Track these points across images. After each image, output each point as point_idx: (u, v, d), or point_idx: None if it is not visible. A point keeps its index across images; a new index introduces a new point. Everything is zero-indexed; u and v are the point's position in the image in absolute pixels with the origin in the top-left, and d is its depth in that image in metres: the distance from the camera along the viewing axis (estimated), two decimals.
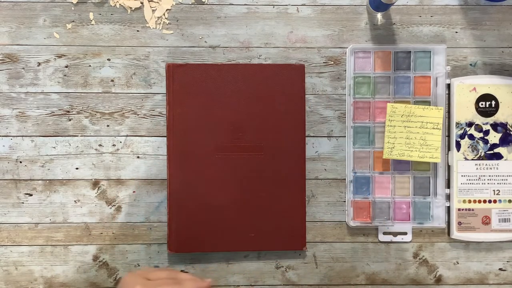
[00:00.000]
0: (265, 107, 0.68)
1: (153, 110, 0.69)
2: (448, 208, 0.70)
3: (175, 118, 0.67)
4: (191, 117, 0.67)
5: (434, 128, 0.66)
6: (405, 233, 0.69)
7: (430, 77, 0.69)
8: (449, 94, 0.69)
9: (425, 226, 0.69)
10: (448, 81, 0.68)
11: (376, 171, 0.69)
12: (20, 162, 0.68)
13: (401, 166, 0.69)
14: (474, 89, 0.69)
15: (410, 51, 0.68)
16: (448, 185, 0.69)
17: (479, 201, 0.69)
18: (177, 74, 0.67)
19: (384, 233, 0.69)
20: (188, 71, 0.67)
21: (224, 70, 0.68)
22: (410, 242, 0.70)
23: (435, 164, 0.68)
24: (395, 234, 0.69)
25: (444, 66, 0.68)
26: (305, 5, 0.69)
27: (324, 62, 0.69)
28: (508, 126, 0.69)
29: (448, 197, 0.68)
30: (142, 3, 0.69)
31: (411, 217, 0.69)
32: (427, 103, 0.68)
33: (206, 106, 0.67)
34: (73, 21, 0.69)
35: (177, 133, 0.67)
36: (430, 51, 0.68)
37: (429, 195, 0.69)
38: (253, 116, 0.67)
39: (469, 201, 0.69)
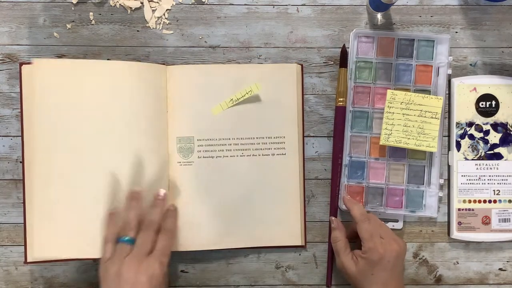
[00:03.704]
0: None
1: None
2: (448, 207, 0.70)
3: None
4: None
5: (432, 118, 0.66)
6: (396, 220, 0.69)
7: (431, 66, 0.68)
8: (449, 94, 0.69)
9: (417, 215, 0.69)
10: (449, 71, 0.68)
11: (372, 157, 0.69)
12: (20, 162, 0.68)
13: (397, 153, 0.69)
14: (475, 89, 0.69)
15: (413, 39, 0.68)
16: (448, 185, 0.70)
17: (479, 201, 0.69)
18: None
19: None
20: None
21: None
22: (409, 242, 0.70)
23: (431, 153, 0.68)
24: (386, 221, 0.69)
25: (447, 56, 0.68)
26: (305, 5, 0.69)
27: (324, 62, 0.69)
28: (508, 126, 0.69)
29: (441, 187, 0.68)
30: (142, 3, 0.69)
31: (403, 205, 0.69)
32: (427, 92, 0.68)
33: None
34: (73, 21, 0.69)
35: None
36: (434, 40, 0.68)
37: (423, 184, 0.69)
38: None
39: (469, 201, 0.69)
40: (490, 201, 0.69)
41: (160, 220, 0.62)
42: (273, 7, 0.69)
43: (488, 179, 0.69)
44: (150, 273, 0.58)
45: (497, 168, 0.69)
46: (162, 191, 0.63)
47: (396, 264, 0.62)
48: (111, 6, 0.69)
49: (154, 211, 0.62)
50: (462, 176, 0.69)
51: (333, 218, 0.67)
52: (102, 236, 0.61)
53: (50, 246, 0.64)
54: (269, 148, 0.68)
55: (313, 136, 0.70)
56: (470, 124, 0.69)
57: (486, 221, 0.69)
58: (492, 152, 0.69)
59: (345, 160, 0.69)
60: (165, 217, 0.63)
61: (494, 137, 0.69)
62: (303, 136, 0.69)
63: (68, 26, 0.69)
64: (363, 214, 0.64)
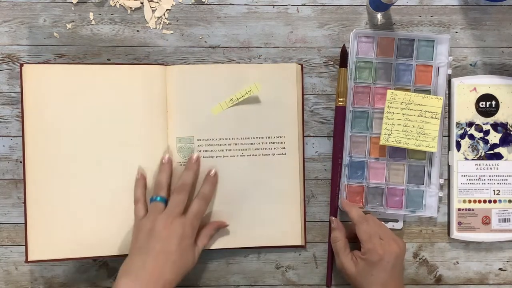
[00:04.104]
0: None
1: None
2: (448, 207, 0.70)
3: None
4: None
5: (432, 118, 0.66)
6: (396, 220, 0.69)
7: (431, 66, 0.68)
8: (449, 94, 0.69)
9: (417, 215, 0.69)
10: (449, 71, 0.68)
11: (372, 157, 0.69)
12: (20, 162, 0.68)
13: (397, 153, 0.69)
14: (474, 89, 0.69)
15: (413, 39, 0.68)
16: (448, 185, 0.70)
17: (479, 201, 0.69)
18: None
19: None
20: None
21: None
22: (409, 242, 0.70)
23: (431, 153, 0.68)
24: (386, 221, 0.69)
25: (447, 56, 0.68)
26: (305, 5, 0.69)
27: (324, 62, 0.69)
28: (508, 126, 0.69)
29: (441, 187, 0.68)
30: (142, 3, 0.69)
31: (403, 205, 0.68)
32: (427, 92, 0.68)
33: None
34: (73, 21, 0.69)
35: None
36: (434, 40, 0.68)
37: (423, 184, 0.69)
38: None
39: (469, 201, 0.69)
40: (490, 201, 0.69)
41: (192, 183, 0.64)
42: (273, 7, 0.69)
43: (488, 179, 0.69)
44: (180, 233, 0.60)
45: (497, 168, 0.69)
46: (195, 155, 0.65)
47: (396, 264, 0.62)
48: (111, 6, 0.69)
49: (187, 174, 0.64)
50: (462, 176, 0.69)
51: (333, 218, 0.67)
52: (134, 198, 0.64)
53: (50, 246, 0.64)
54: (269, 148, 0.68)
55: (313, 136, 0.70)
56: (470, 124, 0.69)
57: (486, 221, 0.69)
58: (492, 152, 0.69)
59: (345, 160, 0.68)
60: (203, 182, 0.65)
61: (494, 137, 0.69)
62: (303, 136, 0.69)
63: (68, 26, 0.69)
64: (360, 216, 0.64)
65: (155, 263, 0.58)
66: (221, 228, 0.66)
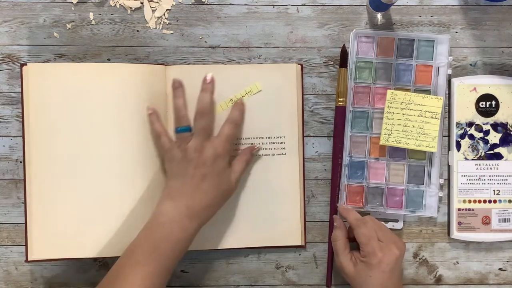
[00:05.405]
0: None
1: None
2: (448, 207, 0.70)
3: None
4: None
5: (432, 118, 0.66)
6: (396, 220, 0.69)
7: (432, 66, 0.68)
8: (449, 94, 0.69)
9: (417, 215, 0.69)
10: (449, 71, 0.68)
11: (372, 157, 0.69)
12: (20, 162, 0.68)
13: (397, 153, 0.69)
14: (475, 89, 0.69)
15: (413, 39, 0.68)
16: (448, 185, 0.70)
17: (479, 201, 0.69)
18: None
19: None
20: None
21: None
22: (409, 242, 0.70)
23: (431, 153, 0.68)
24: (386, 221, 0.69)
25: (447, 56, 0.68)
26: (305, 5, 0.69)
27: (324, 62, 0.69)
28: (508, 126, 0.69)
29: (441, 187, 0.68)
30: (142, 3, 0.69)
31: (403, 205, 0.68)
32: (427, 92, 0.68)
33: None
34: (73, 21, 0.69)
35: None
36: (434, 41, 0.68)
37: (423, 184, 0.69)
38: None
39: (469, 201, 0.69)
40: (490, 201, 0.69)
41: (212, 104, 0.63)
42: (273, 7, 0.69)
43: (488, 179, 0.69)
44: (212, 154, 0.61)
45: (497, 168, 0.69)
46: (209, 75, 0.64)
47: (395, 267, 0.62)
48: (111, 6, 0.69)
49: (204, 95, 0.63)
50: (462, 176, 0.69)
51: (336, 216, 0.67)
52: (153, 134, 0.64)
53: (50, 246, 0.64)
54: (269, 148, 0.68)
55: (313, 136, 0.70)
56: (470, 124, 0.69)
57: (486, 221, 0.69)
58: (492, 152, 0.69)
59: (345, 160, 0.68)
60: (232, 108, 0.65)
61: (494, 137, 0.69)
62: (303, 136, 0.69)
63: (68, 26, 0.69)
64: (358, 219, 0.64)
65: (192, 185, 0.60)
66: (254, 152, 0.67)
